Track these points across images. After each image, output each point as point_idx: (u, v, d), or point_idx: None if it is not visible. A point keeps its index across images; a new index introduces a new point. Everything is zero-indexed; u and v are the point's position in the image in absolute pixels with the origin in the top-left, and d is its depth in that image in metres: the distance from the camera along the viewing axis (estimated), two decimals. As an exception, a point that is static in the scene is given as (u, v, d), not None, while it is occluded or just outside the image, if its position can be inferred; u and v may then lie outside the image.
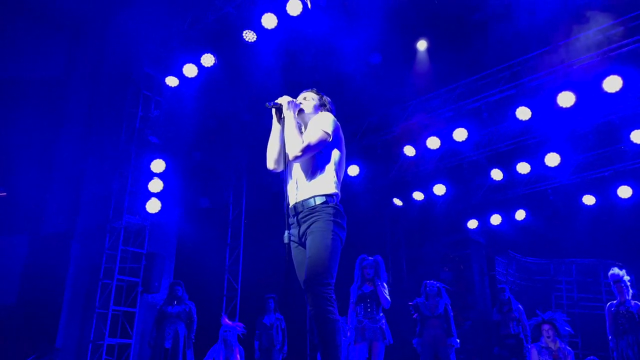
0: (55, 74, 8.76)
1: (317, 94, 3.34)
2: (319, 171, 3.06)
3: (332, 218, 2.94)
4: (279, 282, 8.42)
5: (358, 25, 7.49)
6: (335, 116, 3.30)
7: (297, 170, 3.15)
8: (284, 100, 3.16)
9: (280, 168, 3.21)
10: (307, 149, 3.00)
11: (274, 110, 3.19)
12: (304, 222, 2.99)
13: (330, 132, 3.07)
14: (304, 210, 3.00)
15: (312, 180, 3.05)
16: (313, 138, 3.03)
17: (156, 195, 8.31)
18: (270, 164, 3.26)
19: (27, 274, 7.99)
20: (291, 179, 3.17)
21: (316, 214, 2.96)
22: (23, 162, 8.15)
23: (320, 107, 3.29)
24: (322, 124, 3.10)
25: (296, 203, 3.06)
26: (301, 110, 3.24)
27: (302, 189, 3.06)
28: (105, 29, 8.63)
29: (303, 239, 2.99)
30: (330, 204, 2.98)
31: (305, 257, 2.94)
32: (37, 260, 7.97)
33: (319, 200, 2.98)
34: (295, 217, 3.05)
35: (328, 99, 3.36)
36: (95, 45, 8.79)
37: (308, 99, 3.31)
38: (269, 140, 3.26)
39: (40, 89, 8.55)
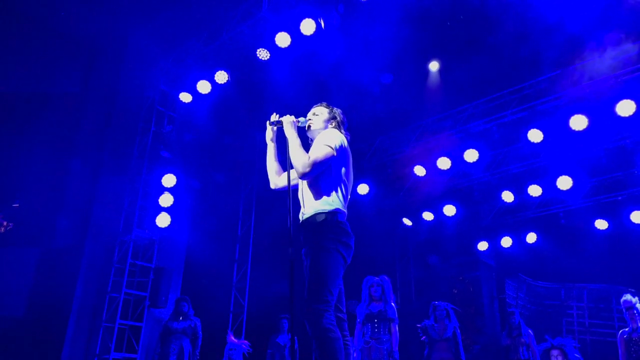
0: (72, 90, 8.91)
1: (327, 107, 3.35)
2: (322, 188, 3.04)
3: (332, 235, 2.91)
4: (286, 300, 8.37)
5: (371, 46, 7.55)
6: (347, 127, 3.32)
7: (302, 188, 3.16)
8: (285, 119, 3.20)
9: (281, 185, 3.31)
10: (314, 166, 2.98)
11: (269, 128, 3.31)
12: (307, 239, 2.98)
13: (334, 147, 3.05)
14: (307, 227, 3.00)
15: (315, 198, 3.03)
16: (319, 154, 3.02)
17: (166, 209, 8.35)
18: (271, 184, 3.37)
19: (36, 287, 8.01)
20: (300, 197, 3.18)
21: (318, 231, 2.94)
22: (37, 175, 8.24)
23: (330, 120, 3.29)
24: (326, 139, 3.09)
25: (302, 221, 3.06)
26: (309, 126, 3.28)
27: (306, 206, 3.06)
28: (122, 47, 8.78)
29: (307, 257, 2.98)
30: (332, 221, 2.95)
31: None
32: (46, 272, 8.00)
33: (320, 218, 2.96)
34: (302, 235, 3.04)
35: (339, 110, 3.36)
36: (111, 63, 8.93)
37: (317, 114, 3.32)
38: (267, 162, 3.36)
39: (57, 104, 8.68)
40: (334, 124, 3.28)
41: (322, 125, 3.26)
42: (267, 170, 3.39)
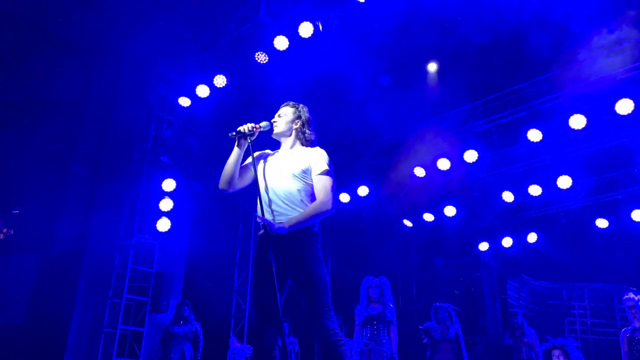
0: (71, 95, 8.90)
1: (293, 107, 3.33)
2: (308, 201, 3.09)
3: (318, 245, 3.05)
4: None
5: (369, 48, 7.56)
6: (314, 126, 3.30)
7: (274, 198, 3.08)
8: (245, 128, 3.12)
9: (231, 190, 3.21)
10: (334, 200, 3.03)
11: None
12: (292, 251, 3.04)
13: (330, 169, 3.10)
14: (292, 239, 3.01)
15: (301, 208, 3.08)
16: (329, 185, 3.04)
17: (166, 214, 8.34)
18: (222, 185, 3.21)
19: (37, 293, 8.00)
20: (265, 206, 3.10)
21: (305, 243, 3.04)
22: (36, 181, 8.24)
23: (294, 120, 3.27)
24: (323, 164, 3.09)
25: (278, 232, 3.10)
26: (273, 129, 3.26)
27: (289, 217, 3.05)
28: (120, 52, 8.78)
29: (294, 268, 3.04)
30: (315, 232, 3.07)
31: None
32: (47, 279, 7.98)
33: (309, 230, 3.05)
34: (277, 246, 3.03)
35: (305, 108, 3.34)
36: (110, 67, 8.94)
37: (282, 115, 3.31)
38: (227, 161, 3.21)
39: (56, 110, 8.68)
40: (298, 123, 3.27)
41: (285, 127, 3.25)
42: (224, 170, 3.22)
